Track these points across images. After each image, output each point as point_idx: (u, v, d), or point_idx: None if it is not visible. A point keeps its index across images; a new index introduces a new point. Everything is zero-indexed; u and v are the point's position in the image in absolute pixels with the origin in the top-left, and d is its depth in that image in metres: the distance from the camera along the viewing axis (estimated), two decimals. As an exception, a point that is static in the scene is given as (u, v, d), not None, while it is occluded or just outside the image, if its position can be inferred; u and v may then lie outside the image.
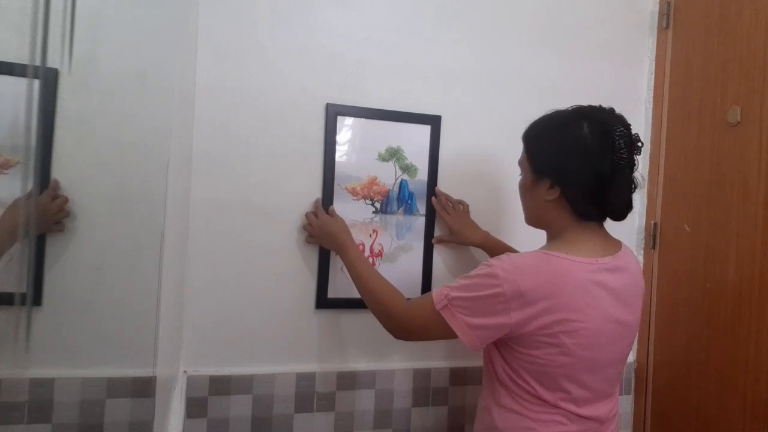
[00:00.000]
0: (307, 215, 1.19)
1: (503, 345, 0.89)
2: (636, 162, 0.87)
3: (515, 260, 0.85)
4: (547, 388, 0.86)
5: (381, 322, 0.98)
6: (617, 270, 0.87)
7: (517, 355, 0.86)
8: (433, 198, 1.27)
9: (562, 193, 0.88)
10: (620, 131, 0.85)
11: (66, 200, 0.76)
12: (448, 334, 0.86)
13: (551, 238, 0.93)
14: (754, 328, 1.12)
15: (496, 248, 1.26)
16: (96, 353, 0.81)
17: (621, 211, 0.88)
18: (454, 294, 0.86)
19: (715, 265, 1.23)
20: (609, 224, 0.93)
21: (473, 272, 0.87)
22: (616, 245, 0.92)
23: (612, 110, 0.89)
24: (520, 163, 0.98)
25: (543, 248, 0.90)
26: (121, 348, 0.80)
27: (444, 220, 1.27)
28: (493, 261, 0.85)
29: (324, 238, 1.15)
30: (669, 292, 1.36)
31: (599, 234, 0.91)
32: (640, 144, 0.88)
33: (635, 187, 0.89)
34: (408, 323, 0.94)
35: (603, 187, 0.85)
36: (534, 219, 0.97)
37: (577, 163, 0.85)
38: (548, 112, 0.94)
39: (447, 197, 1.27)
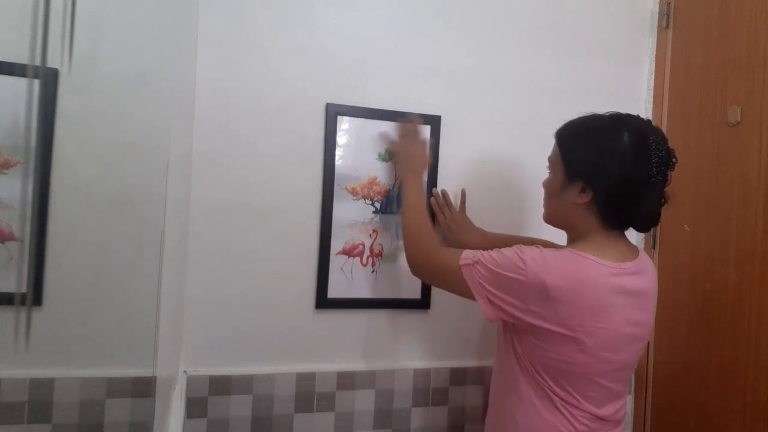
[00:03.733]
0: (405, 126, 1.19)
1: (523, 340, 0.90)
2: (669, 177, 0.87)
3: (546, 254, 0.86)
4: (565, 388, 0.88)
5: (408, 251, 1.02)
6: (637, 274, 0.88)
7: (537, 351, 0.88)
8: (432, 199, 1.27)
9: (594, 198, 0.87)
10: (658, 143, 0.85)
11: None
12: (462, 289, 0.91)
13: (576, 239, 0.93)
14: (754, 328, 1.12)
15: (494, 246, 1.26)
16: (96, 353, 0.81)
17: (648, 223, 0.90)
18: (481, 259, 0.89)
19: (715, 265, 1.23)
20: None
21: (506, 251, 0.89)
22: (635, 250, 0.93)
23: (649, 121, 0.90)
24: (551, 160, 0.96)
25: (570, 248, 0.90)
26: (121, 348, 0.80)
27: (439, 223, 1.27)
28: (526, 248, 0.87)
29: (407, 156, 1.16)
30: (669, 292, 1.36)
31: (622, 240, 0.92)
32: (674, 160, 0.87)
33: (665, 202, 0.89)
34: (430, 261, 0.98)
35: (634, 197, 0.85)
36: (556, 219, 0.97)
37: (614, 170, 0.84)
38: (585, 114, 0.92)
39: (445, 197, 1.27)
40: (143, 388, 0.80)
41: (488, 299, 0.88)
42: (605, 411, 0.90)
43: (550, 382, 0.88)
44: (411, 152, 1.16)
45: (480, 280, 0.88)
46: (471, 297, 0.90)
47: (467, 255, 0.91)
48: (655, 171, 0.84)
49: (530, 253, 0.86)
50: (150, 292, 0.73)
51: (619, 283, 0.85)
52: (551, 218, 0.98)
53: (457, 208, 1.29)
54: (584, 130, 0.91)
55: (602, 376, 0.88)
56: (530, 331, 0.87)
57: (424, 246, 1.00)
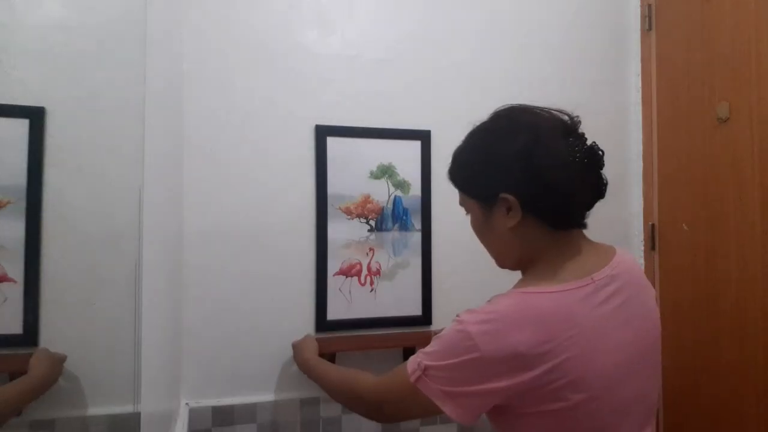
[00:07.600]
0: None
1: (513, 415, 0.71)
2: (592, 149, 0.73)
3: (493, 313, 0.68)
4: None
5: (356, 410, 0.87)
6: (616, 280, 0.72)
7: (530, 420, 0.69)
8: None
9: (523, 208, 0.72)
10: (551, 124, 0.75)
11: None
12: (430, 410, 0.71)
13: (530, 266, 0.76)
14: (761, 325, 1.10)
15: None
16: (88, 392, 0.80)
17: (591, 200, 0.75)
18: (427, 362, 0.71)
19: (715, 263, 1.21)
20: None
21: (445, 331, 0.72)
22: (609, 253, 0.76)
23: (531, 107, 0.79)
24: (462, 204, 0.82)
25: (521, 286, 0.73)
26: (102, 385, 0.79)
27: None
28: (465, 316, 0.70)
29: (298, 362, 1.12)
30: (671, 293, 1.34)
31: (585, 245, 0.76)
32: (581, 132, 0.75)
33: (606, 183, 0.75)
34: (379, 399, 0.80)
35: (561, 183, 0.70)
36: (508, 257, 0.79)
37: (523, 170, 0.71)
38: (462, 141, 0.81)
39: None
40: (127, 426, 0.78)
41: (457, 407, 0.68)
42: None
43: None
44: (295, 352, 1.13)
45: (441, 387, 0.69)
46: (437, 412, 0.70)
47: (412, 366, 0.72)
48: (567, 151, 0.71)
49: (472, 320, 0.68)
50: (127, 325, 0.72)
51: (594, 301, 0.68)
52: (504, 259, 0.81)
53: None
54: (470, 152, 0.80)
55: (612, 420, 0.69)
56: (519, 403, 0.68)
57: (362, 389, 0.83)
